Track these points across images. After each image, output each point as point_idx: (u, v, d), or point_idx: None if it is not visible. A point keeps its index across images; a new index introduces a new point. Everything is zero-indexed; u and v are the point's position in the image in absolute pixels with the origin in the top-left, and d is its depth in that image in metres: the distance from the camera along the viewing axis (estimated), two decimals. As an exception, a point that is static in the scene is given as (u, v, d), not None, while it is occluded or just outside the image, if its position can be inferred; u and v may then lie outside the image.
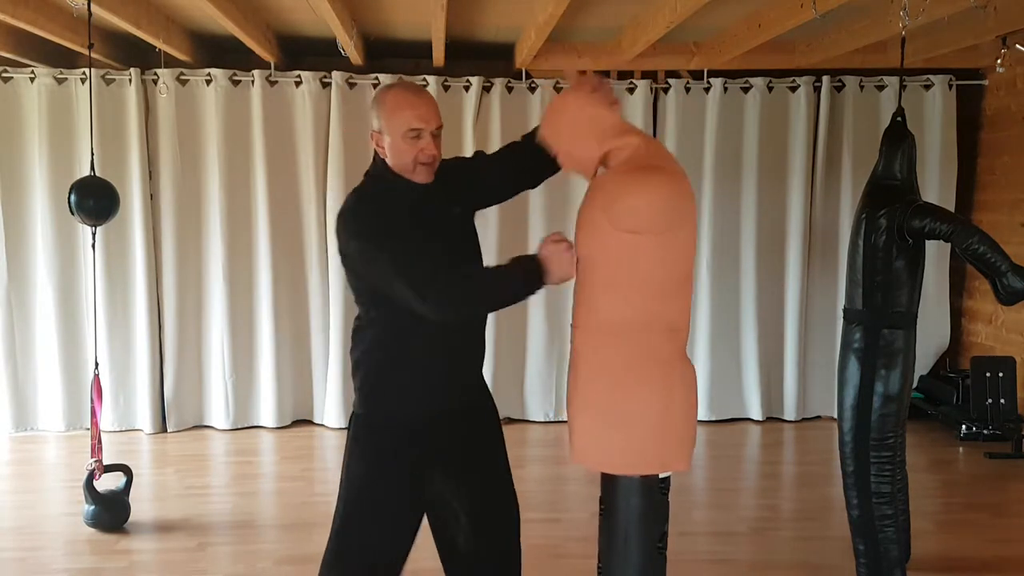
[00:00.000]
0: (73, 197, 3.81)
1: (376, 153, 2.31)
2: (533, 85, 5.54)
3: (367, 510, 2.30)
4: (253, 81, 5.36)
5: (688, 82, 5.56)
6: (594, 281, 2.13)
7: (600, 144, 2.15)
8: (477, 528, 2.41)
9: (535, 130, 2.40)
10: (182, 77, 5.37)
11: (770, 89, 5.57)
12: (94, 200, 3.83)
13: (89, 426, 4.03)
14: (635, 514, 2.14)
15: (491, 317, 5.50)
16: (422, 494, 2.37)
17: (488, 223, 5.54)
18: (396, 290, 2.14)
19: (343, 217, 2.25)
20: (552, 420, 5.67)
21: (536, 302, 5.61)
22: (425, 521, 2.43)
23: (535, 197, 5.57)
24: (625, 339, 2.10)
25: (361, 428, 2.34)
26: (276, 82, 5.40)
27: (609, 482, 2.18)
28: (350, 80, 5.41)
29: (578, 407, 2.21)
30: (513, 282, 2.17)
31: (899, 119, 3.17)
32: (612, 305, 2.10)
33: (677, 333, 2.15)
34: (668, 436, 2.13)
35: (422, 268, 2.15)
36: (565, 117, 2.22)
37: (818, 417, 5.81)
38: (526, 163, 2.44)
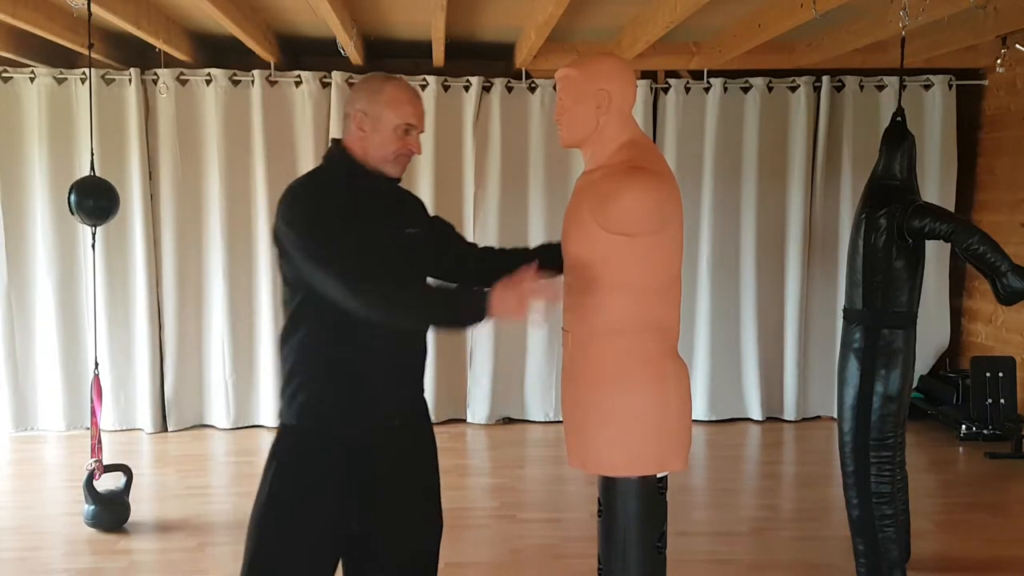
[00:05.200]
0: (73, 197, 3.81)
1: (337, 142, 2.23)
2: (533, 85, 5.54)
3: (286, 542, 2.10)
4: (253, 81, 5.36)
5: (688, 82, 5.56)
6: (585, 285, 2.12)
7: (596, 116, 2.14)
8: (396, 565, 2.26)
9: (512, 253, 2.38)
10: (182, 77, 5.37)
11: (770, 89, 5.57)
12: (94, 200, 3.83)
13: (89, 426, 4.02)
14: (633, 515, 2.15)
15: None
16: (347, 528, 2.18)
17: (488, 216, 5.54)
18: (327, 282, 2.03)
19: (285, 200, 2.13)
20: (552, 420, 5.66)
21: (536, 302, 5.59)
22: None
23: (535, 194, 5.57)
24: (618, 341, 2.10)
25: (290, 444, 2.16)
26: (276, 82, 5.40)
27: (607, 483, 2.18)
28: (350, 80, 5.41)
29: (574, 411, 2.20)
30: (453, 308, 2.11)
31: (899, 119, 3.16)
32: (604, 308, 2.10)
33: (668, 332, 2.16)
34: (665, 436, 2.14)
35: (360, 260, 2.04)
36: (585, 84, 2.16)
37: (818, 417, 5.81)
38: (483, 270, 2.33)
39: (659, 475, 2.17)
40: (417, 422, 2.31)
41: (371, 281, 2.04)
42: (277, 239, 2.13)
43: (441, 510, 2.36)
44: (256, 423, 5.58)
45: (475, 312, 2.03)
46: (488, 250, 2.49)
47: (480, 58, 5.62)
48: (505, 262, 2.27)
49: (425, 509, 2.32)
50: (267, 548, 2.12)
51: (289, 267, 2.14)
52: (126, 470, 3.99)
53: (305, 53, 5.59)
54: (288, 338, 2.18)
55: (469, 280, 2.35)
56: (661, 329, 2.14)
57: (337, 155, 2.22)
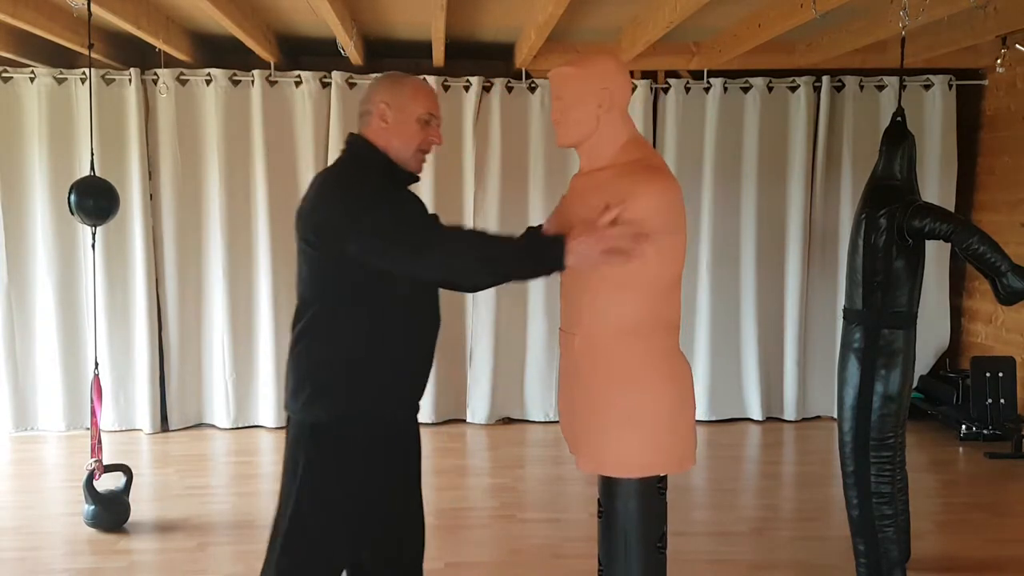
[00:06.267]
0: (73, 197, 3.81)
1: (356, 135, 2.22)
2: (533, 85, 5.54)
3: (330, 536, 2.15)
4: (253, 81, 5.36)
5: (688, 82, 5.56)
6: (600, 284, 2.10)
7: (597, 115, 2.13)
8: (396, 555, 2.33)
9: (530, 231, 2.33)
10: (182, 77, 5.37)
11: (770, 89, 5.57)
12: (94, 200, 3.83)
13: (89, 426, 4.02)
14: (634, 515, 2.14)
15: (487, 316, 5.54)
16: (386, 519, 2.26)
17: (487, 216, 5.55)
18: (395, 247, 2.02)
19: (326, 190, 2.12)
20: (552, 420, 5.65)
21: (536, 301, 5.61)
22: None
23: (535, 194, 5.57)
24: (635, 340, 2.10)
25: (328, 438, 2.17)
26: (276, 82, 5.40)
27: (607, 485, 2.18)
28: (350, 80, 5.41)
29: (587, 414, 2.16)
30: (531, 254, 2.08)
31: (899, 119, 3.16)
32: (622, 307, 2.09)
33: (675, 330, 2.18)
34: (681, 432, 2.14)
35: (417, 223, 2.09)
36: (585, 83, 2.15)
37: (818, 417, 5.81)
38: None
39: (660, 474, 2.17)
40: (415, 417, 2.36)
41: (433, 240, 2.05)
42: (316, 231, 2.09)
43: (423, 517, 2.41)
44: (256, 423, 5.58)
45: (553, 259, 2.01)
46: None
47: (480, 58, 5.62)
48: None
49: (421, 503, 2.38)
50: (311, 543, 2.15)
51: (322, 260, 2.11)
52: (126, 470, 3.99)
53: (305, 53, 5.59)
54: (309, 333, 2.15)
55: None
56: (669, 327, 2.15)
57: (361, 147, 2.21)
